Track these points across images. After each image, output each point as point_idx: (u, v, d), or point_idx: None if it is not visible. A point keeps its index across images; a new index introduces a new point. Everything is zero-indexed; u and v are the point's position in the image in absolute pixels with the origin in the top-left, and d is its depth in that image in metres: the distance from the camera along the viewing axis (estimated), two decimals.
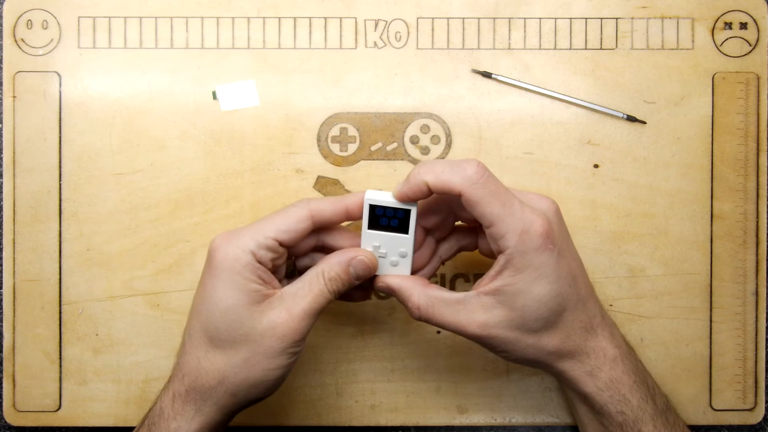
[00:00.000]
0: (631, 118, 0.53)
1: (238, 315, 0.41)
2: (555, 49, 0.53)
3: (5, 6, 0.53)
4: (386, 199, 0.43)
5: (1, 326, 0.53)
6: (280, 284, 0.44)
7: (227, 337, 0.41)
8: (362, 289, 0.47)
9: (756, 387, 0.54)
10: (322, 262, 0.44)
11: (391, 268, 0.45)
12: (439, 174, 0.41)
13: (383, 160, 0.53)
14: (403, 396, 0.54)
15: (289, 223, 0.43)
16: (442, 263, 0.48)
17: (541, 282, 0.41)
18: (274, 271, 0.44)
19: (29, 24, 0.53)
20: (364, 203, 0.43)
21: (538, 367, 0.45)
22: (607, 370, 0.44)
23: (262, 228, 0.42)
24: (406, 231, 0.43)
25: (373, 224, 0.43)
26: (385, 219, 0.43)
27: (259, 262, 0.42)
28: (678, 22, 0.54)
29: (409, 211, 0.43)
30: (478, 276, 0.53)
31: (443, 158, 0.53)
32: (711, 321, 0.54)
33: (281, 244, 0.43)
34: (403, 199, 0.43)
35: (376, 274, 0.45)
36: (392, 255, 0.44)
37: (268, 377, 0.42)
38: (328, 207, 0.44)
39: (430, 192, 0.42)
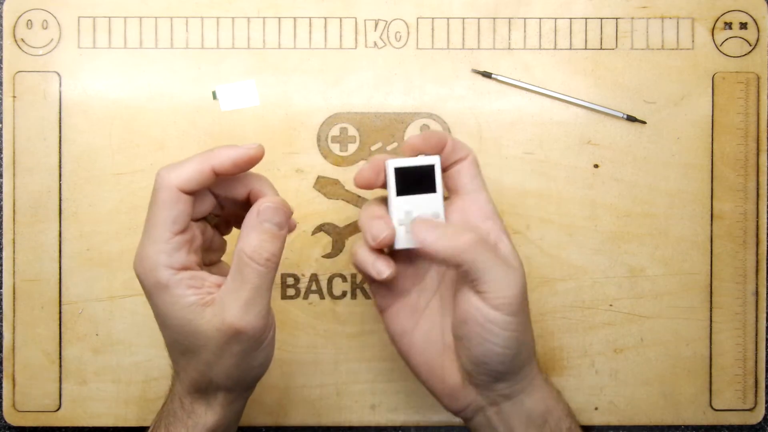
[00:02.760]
0: (631, 118, 0.53)
1: (191, 330, 0.39)
2: (555, 49, 0.53)
3: (5, 6, 0.53)
4: (408, 161, 0.42)
5: (1, 326, 0.53)
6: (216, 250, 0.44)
7: (195, 348, 0.40)
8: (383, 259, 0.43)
9: (756, 387, 0.54)
10: (238, 240, 0.40)
11: None
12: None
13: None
14: (403, 396, 0.54)
15: (170, 210, 0.39)
16: None
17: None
18: (203, 246, 0.42)
19: (29, 24, 0.53)
20: (388, 169, 0.42)
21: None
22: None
23: (155, 234, 0.39)
24: (433, 189, 0.42)
25: (402, 190, 0.42)
26: (411, 182, 0.42)
27: (182, 269, 0.39)
28: (678, 22, 0.54)
29: (432, 167, 0.42)
30: None
31: None
32: (711, 321, 0.54)
33: (181, 231, 0.40)
34: (416, 152, 0.42)
35: (398, 247, 0.42)
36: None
37: (252, 369, 0.41)
38: (194, 170, 0.40)
39: (442, 146, 0.42)
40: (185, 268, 0.39)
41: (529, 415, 0.43)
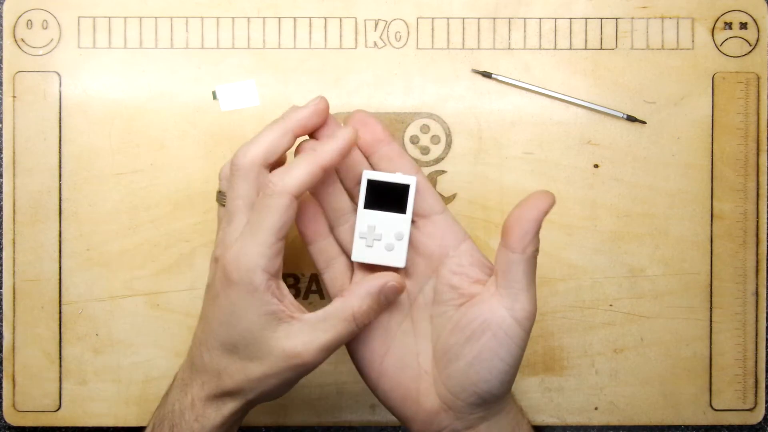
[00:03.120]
0: (631, 118, 0.53)
1: (256, 338, 0.39)
2: (555, 49, 0.53)
3: (5, 6, 0.53)
4: (384, 175, 0.42)
5: (1, 326, 0.53)
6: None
7: (245, 355, 0.40)
8: None
9: (756, 387, 0.54)
10: (350, 295, 0.41)
11: (385, 253, 0.42)
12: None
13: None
14: None
15: (281, 217, 0.39)
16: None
17: None
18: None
19: (29, 24, 0.53)
20: (362, 179, 0.42)
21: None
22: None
23: (261, 237, 0.39)
24: (403, 210, 0.42)
25: (370, 203, 0.42)
26: (381, 197, 0.42)
27: (274, 276, 0.40)
28: (678, 22, 0.54)
29: (407, 187, 0.42)
30: None
31: (442, 158, 0.53)
32: (711, 321, 0.54)
33: (283, 238, 0.40)
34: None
35: (355, 260, 0.43)
36: (388, 237, 0.42)
37: (281, 391, 0.42)
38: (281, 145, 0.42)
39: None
40: (276, 277, 0.40)
41: None
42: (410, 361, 0.42)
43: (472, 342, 0.40)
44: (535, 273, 0.40)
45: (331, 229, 0.44)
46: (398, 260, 0.42)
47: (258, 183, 0.40)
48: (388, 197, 0.42)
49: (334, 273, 0.44)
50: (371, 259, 0.42)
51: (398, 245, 0.42)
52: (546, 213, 0.39)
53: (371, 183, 0.42)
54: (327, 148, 0.40)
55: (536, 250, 0.39)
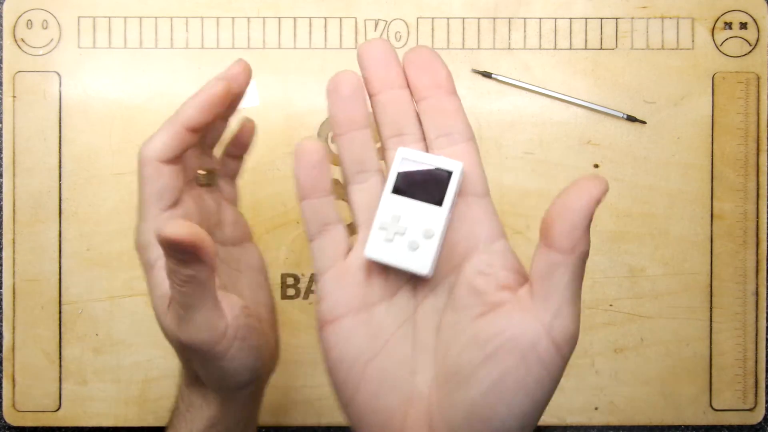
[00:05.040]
0: (631, 118, 0.53)
1: (159, 321, 0.38)
2: (555, 49, 0.53)
3: (5, 6, 0.53)
4: (423, 156, 0.33)
5: (1, 326, 0.53)
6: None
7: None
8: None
9: (756, 387, 0.54)
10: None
11: (407, 253, 0.32)
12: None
13: (383, 159, 0.53)
14: None
15: (153, 185, 0.37)
16: None
17: None
18: (207, 221, 0.39)
19: (29, 24, 0.53)
20: (396, 157, 0.33)
21: None
22: None
23: (145, 212, 0.37)
24: (440, 202, 0.32)
25: (400, 188, 0.33)
26: (415, 182, 0.33)
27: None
28: (678, 22, 0.54)
29: (449, 174, 0.32)
30: None
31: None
32: (711, 321, 0.54)
33: (170, 206, 0.37)
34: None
35: (368, 255, 0.32)
36: (414, 232, 0.32)
37: (225, 376, 0.37)
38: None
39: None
40: None
41: None
42: (402, 377, 0.32)
43: (491, 364, 0.29)
44: (582, 282, 0.31)
45: (345, 184, 0.34)
46: (422, 264, 0.32)
47: (158, 179, 0.37)
48: (423, 183, 0.33)
49: (325, 242, 0.34)
50: (388, 259, 0.32)
51: (425, 245, 0.32)
52: (599, 202, 0.30)
53: (407, 163, 0.33)
54: (187, 105, 0.36)
55: (586, 252, 0.30)
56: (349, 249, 0.34)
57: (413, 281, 0.33)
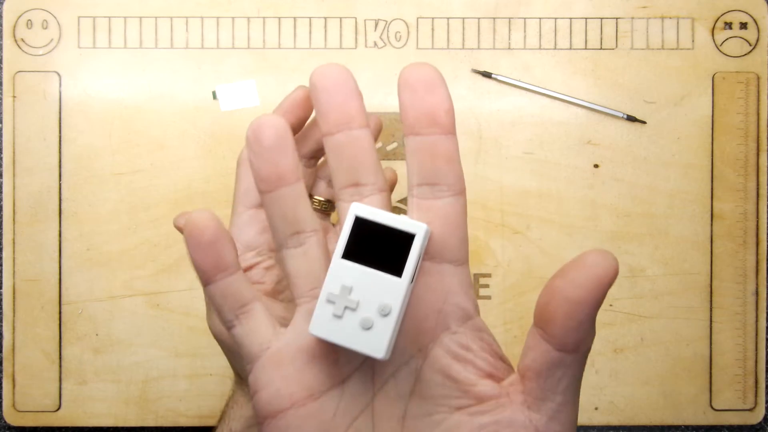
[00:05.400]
0: (631, 118, 0.53)
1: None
2: (555, 49, 0.53)
3: (5, 6, 0.53)
4: (381, 215, 0.27)
5: (1, 326, 0.53)
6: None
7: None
8: None
9: (756, 387, 0.54)
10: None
11: (359, 332, 0.27)
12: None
13: (383, 160, 0.53)
14: None
15: (244, 183, 0.38)
16: None
17: None
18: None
19: (29, 24, 0.53)
20: (348, 216, 0.27)
21: None
22: None
23: (234, 206, 0.38)
24: (399, 272, 0.27)
25: (352, 252, 0.27)
26: (370, 246, 0.27)
27: (244, 247, 0.38)
28: (678, 22, 0.54)
29: (411, 238, 0.27)
30: None
31: None
32: (711, 321, 0.54)
33: (254, 206, 0.38)
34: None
35: (313, 332, 0.27)
36: (367, 308, 0.27)
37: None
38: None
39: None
40: (248, 248, 0.37)
41: None
42: None
43: None
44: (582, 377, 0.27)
45: (277, 249, 0.29)
46: (377, 347, 0.26)
47: (246, 176, 0.39)
48: (379, 248, 0.27)
49: (247, 327, 0.28)
50: (337, 338, 0.27)
51: (381, 324, 0.27)
52: (608, 287, 0.26)
53: (359, 222, 0.27)
54: (275, 110, 0.38)
55: (591, 346, 0.26)
56: (280, 322, 0.29)
57: (370, 363, 0.28)
